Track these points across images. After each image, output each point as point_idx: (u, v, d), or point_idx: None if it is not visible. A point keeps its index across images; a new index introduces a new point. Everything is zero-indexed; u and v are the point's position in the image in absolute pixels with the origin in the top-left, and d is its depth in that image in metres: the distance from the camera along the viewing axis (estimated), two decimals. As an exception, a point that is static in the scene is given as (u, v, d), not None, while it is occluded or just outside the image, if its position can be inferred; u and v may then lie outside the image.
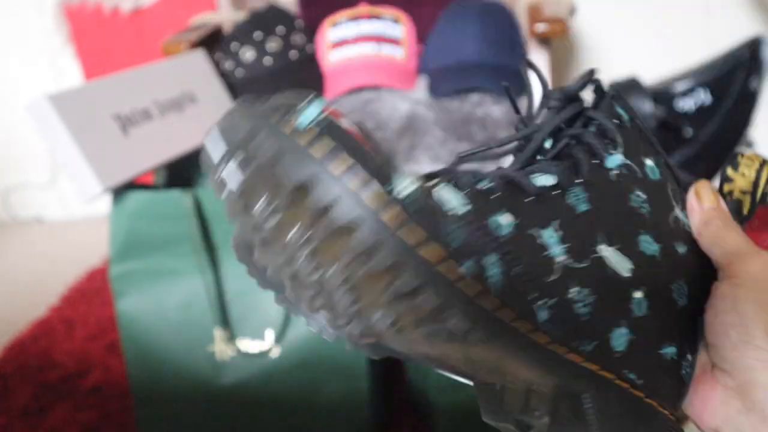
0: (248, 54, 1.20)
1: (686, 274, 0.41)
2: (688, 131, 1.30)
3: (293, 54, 1.21)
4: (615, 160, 0.41)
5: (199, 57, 1.13)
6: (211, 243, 0.96)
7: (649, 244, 0.40)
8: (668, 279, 0.41)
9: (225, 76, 1.20)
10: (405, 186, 0.33)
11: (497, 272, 0.36)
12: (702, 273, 0.42)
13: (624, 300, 0.39)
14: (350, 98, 1.18)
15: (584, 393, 0.39)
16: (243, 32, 1.22)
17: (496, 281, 0.36)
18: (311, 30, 1.27)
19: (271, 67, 1.19)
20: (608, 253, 0.39)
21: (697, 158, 1.36)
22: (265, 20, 1.22)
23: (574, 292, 0.38)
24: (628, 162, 0.42)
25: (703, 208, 0.42)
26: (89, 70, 1.67)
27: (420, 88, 1.20)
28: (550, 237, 0.38)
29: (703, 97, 1.33)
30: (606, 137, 0.42)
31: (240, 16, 1.28)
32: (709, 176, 1.42)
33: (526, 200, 0.39)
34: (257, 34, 1.21)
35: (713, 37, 1.47)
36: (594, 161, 0.41)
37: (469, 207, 0.36)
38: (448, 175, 0.38)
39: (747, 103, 1.36)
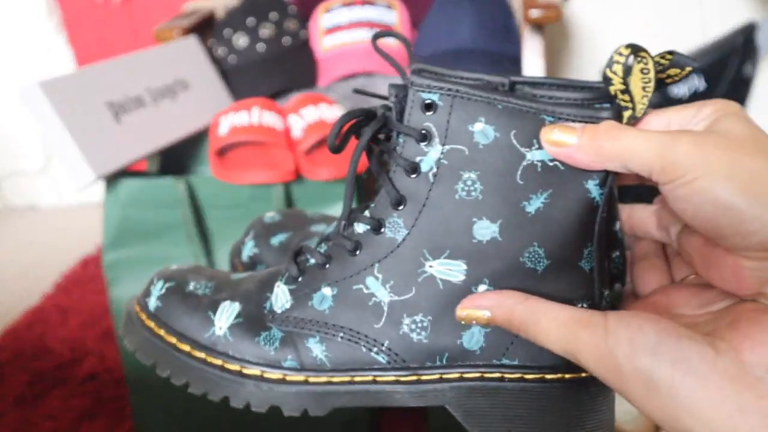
0: (241, 40, 1.19)
1: (542, 233, 0.37)
2: (682, 117, 1.30)
3: (286, 40, 1.21)
4: (428, 160, 0.38)
5: (192, 43, 1.13)
6: (204, 230, 0.96)
7: (485, 228, 0.37)
8: (515, 253, 0.37)
9: (218, 63, 1.19)
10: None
11: (321, 350, 0.40)
12: (566, 208, 0.37)
13: None
14: (344, 84, 1.17)
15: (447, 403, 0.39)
16: (236, 18, 1.21)
17: (323, 361, 0.40)
18: (304, 16, 1.27)
19: (264, 54, 1.19)
20: (436, 267, 0.38)
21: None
22: (258, 6, 1.22)
23: (407, 323, 0.39)
24: (446, 149, 0.38)
25: (575, 145, 0.36)
26: (81, 56, 1.67)
27: (414, 75, 1.19)
28: (373, 283, 0.39)
29: (697, 83, 1.33)
30: (419, 137, 0.38)
31: (233, 2, 1.27)
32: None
33: (349, 257, 0.40)
34: (250, 21, 1.20)
35: (707, 23, 1.47)
36: (412, 176, 0.38)
37: (290, 302, 0.41)
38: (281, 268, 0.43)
39: (740, 89, 1.36)
